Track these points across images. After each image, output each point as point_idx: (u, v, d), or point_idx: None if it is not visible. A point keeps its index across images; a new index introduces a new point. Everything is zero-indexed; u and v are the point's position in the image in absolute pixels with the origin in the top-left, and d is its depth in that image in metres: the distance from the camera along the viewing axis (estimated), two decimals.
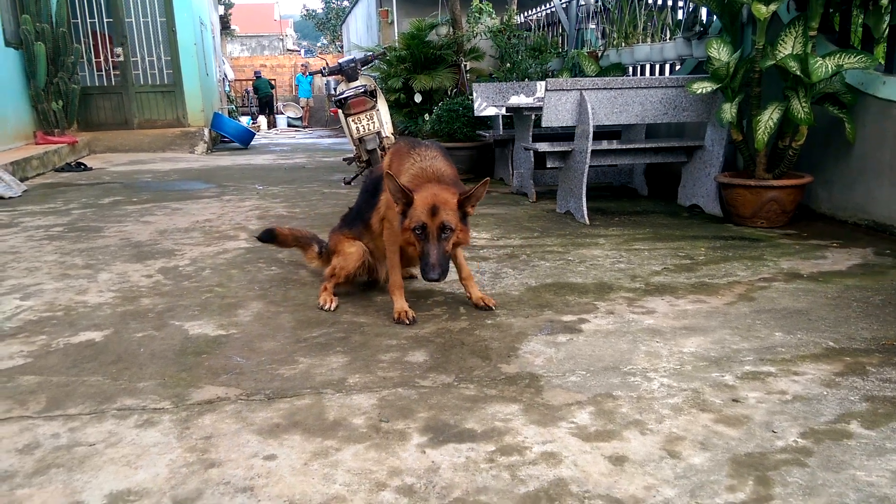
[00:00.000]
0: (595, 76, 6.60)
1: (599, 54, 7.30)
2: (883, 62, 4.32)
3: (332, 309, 2.95)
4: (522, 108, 5.74)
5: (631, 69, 7.06)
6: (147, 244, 4.28)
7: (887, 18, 4.29)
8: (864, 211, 4.35)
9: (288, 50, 36.26)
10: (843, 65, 4.06)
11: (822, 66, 4.03)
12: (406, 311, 2.81)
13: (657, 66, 6.79)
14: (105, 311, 2.99)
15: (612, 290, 3.18)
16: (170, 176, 7.98)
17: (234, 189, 6.75)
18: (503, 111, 6.76)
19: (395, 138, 2.93)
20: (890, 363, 2.32)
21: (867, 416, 1.96)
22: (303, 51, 38.71)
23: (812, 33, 4.24)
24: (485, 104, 6.91)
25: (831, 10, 4.69)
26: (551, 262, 3.67)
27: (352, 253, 3.06)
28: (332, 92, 9.33)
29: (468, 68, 9.74)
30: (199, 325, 2.79)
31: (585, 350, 2.49)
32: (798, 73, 4.07)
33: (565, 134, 5.93)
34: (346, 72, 6.91)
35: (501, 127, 6.93)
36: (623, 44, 7.00)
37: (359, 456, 1.79)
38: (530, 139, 5.69)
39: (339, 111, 6.44)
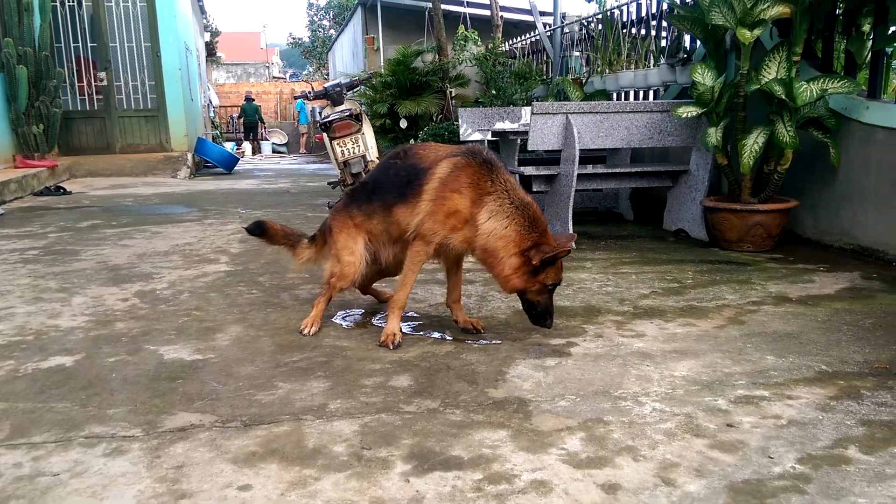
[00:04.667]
0: (581, 102, 6.62)
1: (584, 81, 7.35)
2: (866, 88, 4.36)
3: (311, 334, 2.85)
4: (508, 132, 5.73)
5: (615, 95, 7.11)
6: (124, 267, 4.17)
7: (869, 44, 4.35)
8: (849, 235, 4.35)
9: (274, 77, 36.41)
10: (827, 89, 4.09)
11: (807, 91, 4.05)
12: (395, 335, 2.69)
13: (641, 93, 6.84)
14: (77, 336, 2.88)
15: (601, 314, 3.12)
16: (151, 200, 7.87)
17: (215, 213, 6.66)
18: (489, 136, 6.76)
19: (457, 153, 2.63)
20: (884, 386, 2.27)
21: (865, 440, 1.90)
22: (287, 76, 38.88)
23: (796, 58, 4.27)
24: (470, 129, 6.91)
25: (814, 37, 4.75)
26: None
27: (350, 263, 2.84)
28: (318, 117, 9.32)
29: (454, 94, 9.80)
30: (174, 350, 2.69)
31: (575, 374, 2.42)
32: (783, 97, 4.09)
33: (550, 158, 5.93)
34: (332, 96, 6.88)
35: None
36: (607, 70, 7.05)
37: (339, 485, 1.69)
38: (516, 163, 5.67)
39: (324, 135, 6.41)
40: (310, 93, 7.22)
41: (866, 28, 4.41)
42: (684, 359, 2.55)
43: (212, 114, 19.07)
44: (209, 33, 25.25)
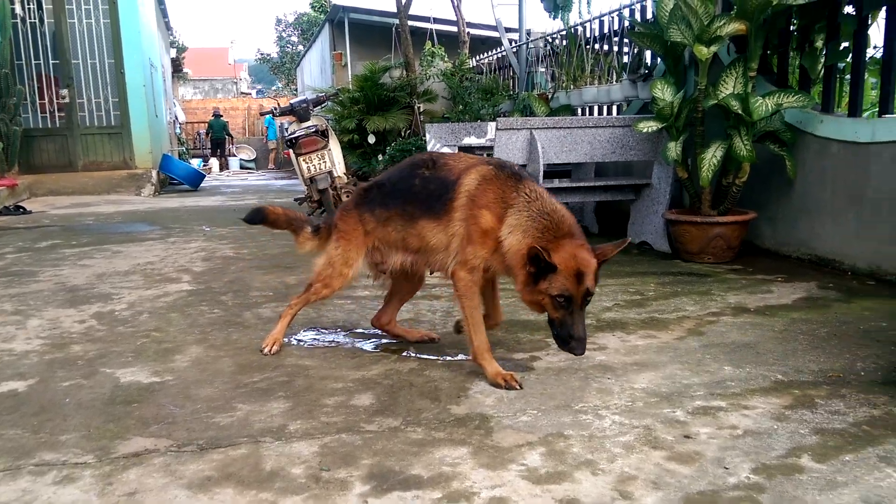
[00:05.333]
0: (545, 117, 6.70)
1: (549, 96, 7.44)
2: (820, 102, 4.49)
3: (271, 353, 2.80)
4: (474, 147, 5.77)
5: (580, 110, 7.21)
6: (83, 288, 4.08)
7: (822, 60, 4.49)
8: (806, 246, 4.46)
9: (241, 93, 36.19)
10: (782, 104, 4.20)
11: (763, 105, 4.16)
12: (502, 375, 2.43)
13: (605, 108, 6.95)
14: (31, 360, 2.80)
15: None
16: (113, 218, 7.74)
17: (179, 231, 6.57)
18: (456, 151, 6.79)
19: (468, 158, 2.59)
20: (837, 395, 2.32)
21: (818, 449, 1.94)
22: (254, 92, 38.65)
23: (752, 74, 4.38)
24: (438, 144, 6.94)
25: (770, 52, 4.88)
26: (503, 300, 3.60)
27: (344, 275, 2.74)
28: (285, 133, 9.28)
29: (422, 110, 9.84)
30: (131, 373, 2.63)
31: (537, 388, 2.42)
32: (739, 111, 4.19)
33: None
34: (298, 112, 6.87)
35: None
36: (572, 86, 7.15)
37: None
38: None
39: (291, 151, 6.38)
40: (276, 109, 7.20)
41: (819, 44, 4.55)
42: (645, 371, 2.58)
43: (178, 130, 18.86)
44: (175, 49, 25.02)
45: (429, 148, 7.16)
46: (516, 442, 2.01)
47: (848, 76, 4.42)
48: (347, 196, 6.39)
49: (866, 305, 3.41)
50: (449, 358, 2.76)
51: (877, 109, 4.14)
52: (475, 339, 2.49)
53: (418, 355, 2.80)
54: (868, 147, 3.97)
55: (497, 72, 10.05)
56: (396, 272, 2.77)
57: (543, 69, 8.44)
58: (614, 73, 6.64)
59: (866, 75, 4.38)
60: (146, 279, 4.32)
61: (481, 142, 6.68)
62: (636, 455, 1.93)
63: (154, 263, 4.86)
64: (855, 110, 4.22)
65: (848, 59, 4.35)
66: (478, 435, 2.06)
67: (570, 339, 2.27)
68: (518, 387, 2.38)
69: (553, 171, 5.94)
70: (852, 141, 4.07)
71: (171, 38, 24.44)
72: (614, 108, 6.83)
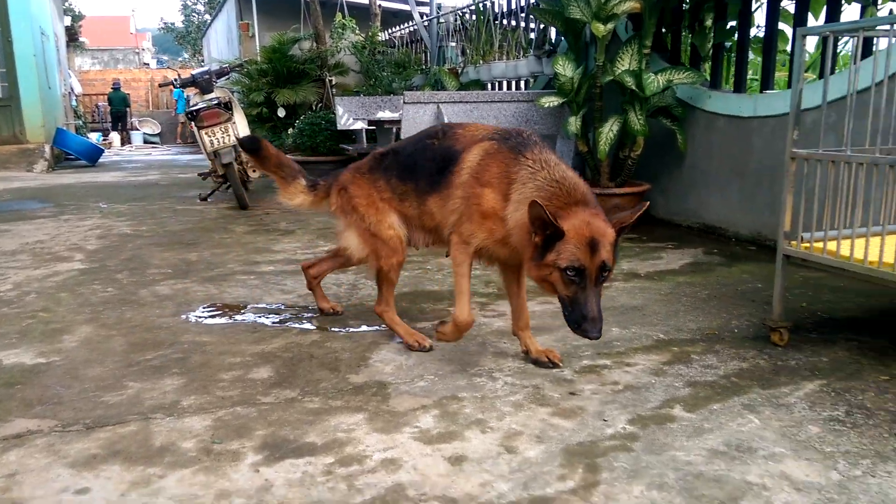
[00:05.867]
0: (452, 91, 6.74)
1: (460, 71, 7.48)
2: (709, 78, 4.74)
3: (428, 347, 2.54)
4: (384, 121, 5.75)
5: (490, 85, 7.30)
6: None
7: (711, 38, 4.72)
8: (696, 215, 4.73)
9: (144, 64, 34.31)
10: (672, 80, 4.41)
11: (654, 82, 4.35)
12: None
13: (513, 83, 7.06)
14: None
15: None
16: (1, 196, 7.24)
17: (73, 208, 6.22)
18: (366, 125, 6.75)
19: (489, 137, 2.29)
20: (712, 351, 2.50)
21: (689, 400, 2.09)
22: (154, 62, 36.68)
23: (646, 51, 4.57)
24: (348, 118, 6.87)
25: (664, 30, 5.09)
26: (409, 272, 3.67)
27: (393, 237, 2.51)
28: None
29: (333, 83, 9.67)
30: (15, 354, 2.51)
31: (436, 355, 2.49)
32: (633, 87, 4.37)
33: None
34: (200, 84, 6.59)
35: (365, 140, 6.90)
36: (481, 61, 7.22)
37: (184, 481, 1.66)
38: None
39: (193, 125, 6.14)
40: (176, 80, 6.89)
41: (709, 23, 4.79)
42: (539, 335, 2.68)
43: (74, 103, 17.71)
44: (70, 17, 23.38)
45: (341, 123, 7.09)
46: (411, 406, 2.07)
47: (734, 54, 4.68)
48: (254, 171, 6.23)
49: (746, 269, 3.66)
50: (352, 329, 2.79)
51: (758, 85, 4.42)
52: (459, 309, 2.35)
53: (320, 328, 2.80)
54: (750, 121, 4.23)
55: (409, 46, 9.99)
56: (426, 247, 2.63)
57: (454, 44, 8.47)
58: (521, 49, 6.75)
59: (750, 54, 4.65)
60: (35, 258, 4.09)
61: (395, 116, 6.66)
62: (524, 412, 2.02)
63: (44, 242, 4.60)
64: (740, 86, 4.49)
65: (734, 38, 4.60)
66: (375, 401, 2.11)
67: (582, 321, 1.97)
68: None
69: None
70: (737, 115, 4.33)
71: (66, 4, 22.80)
72: (522, 84, 6.95)
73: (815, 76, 4.57)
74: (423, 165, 2.43)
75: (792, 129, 2.43)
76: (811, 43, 5.15)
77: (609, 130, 4.46)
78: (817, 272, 2.55)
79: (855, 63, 2.46)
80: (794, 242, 2.45)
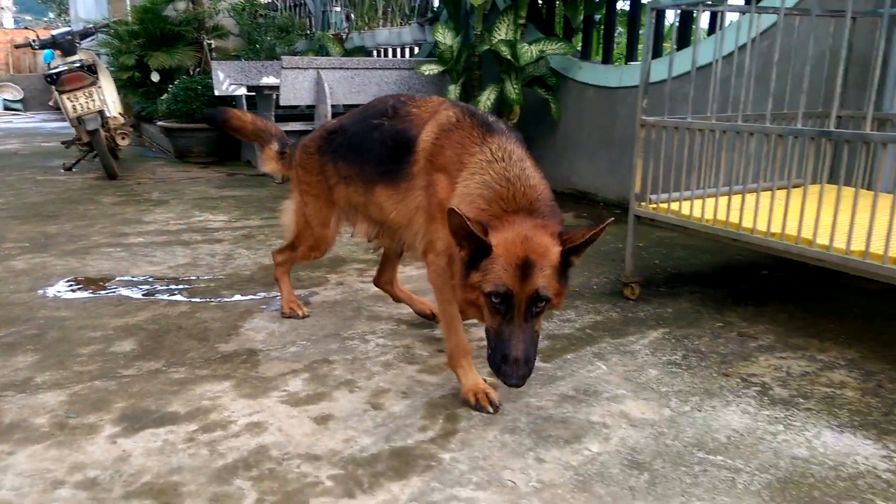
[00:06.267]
0: (332, 57, 6.64)
1: (344, 37, 7.35)
2: (580, 49, 4.93)
3: (303, 315, 2.52)
4: (263, 87, 5.59)
5: (374, 52, 7.23)
6: None
7: (582, 10, 4.91)
8: (568, 181, 4.96)
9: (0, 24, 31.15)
10: (545, 51, 4.55)
11: (529, 52, 4.48)
12: (481, 389, 1.88)
13: (398, 50, 7.03)
14: None
15: (346, 263, 3.25)
16: None
17: None
18: (245, 90, 6.52)
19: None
20: (571, 306, 2.67)
21: (546, 351, 2.24)
22: (10, 21, 33.44)
23: (521, 21, 4.68)
24: (227, 83, 6.60)
25: (539, 1, 5.23)
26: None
27: (324, 237, 2.38)
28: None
29: (213, 46, 9.21)
30: None
31: (310, 321, 2.51)
32: (509, 57, 4.48)
33: (314, 114, 5.90)
34: (62, 45, 6.11)
35: (246, 107, 6.67)
36: (365, 27, 7.12)
37: (35, 456, 1.61)
38: (272, 119, 5.56)
39: (53, 89, 5.70)
40: (35, 41, 6.35)
41: None
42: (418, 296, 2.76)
43: None
44: None
45: (221, 89, 6.77)
46: (281, 371, 2.09)
47: (604, 27, 4.90)
48: (124, 138, 5.89)
49: (610, 231, 3.88)
50: (225, 300, 2.74)
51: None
52: (448, 340, 1.96)
53: (190, 299, 2.74)
54: (616, 91, 4.46)
55: (292, 10, 9.67)
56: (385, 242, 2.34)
57: (339, 9, 8.29)
58: (406, 17, 6.72)
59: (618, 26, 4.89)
60: None
61: (277, 82, 6.47)
62: (393, 371, 2.09)
63: None
64: (608, 58, 4.71)
65: (603, 11, 4.81)
66: (243, 369, 2.11)
67: (501, 361, 1.59)
68: (491, 409, 1.84)
69: (290, 115, 5.87)
70: (605, 86, 4.55)
71: None
72: (407, 52, 6.93)
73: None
74: (369, 148, 2.11)
75: (641, 98, 2.61)
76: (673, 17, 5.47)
77: (487, 99, 4.57)
78: (671, 232, 2.76)
79: (715, 35, 2.66)
80: (643, 203, 2.65)
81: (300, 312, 2.54)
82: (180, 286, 2.89)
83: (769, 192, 2.39)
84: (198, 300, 2.72)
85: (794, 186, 2.60)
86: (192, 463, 1.60)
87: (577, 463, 1.61)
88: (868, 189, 2.61)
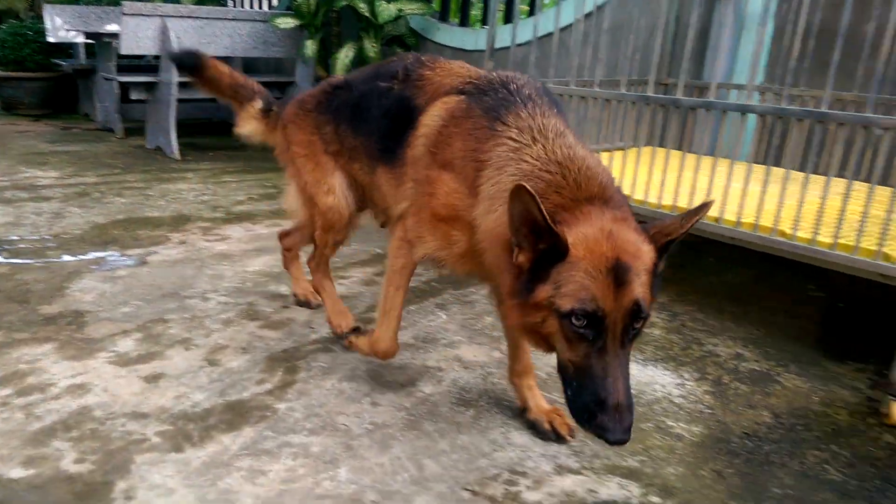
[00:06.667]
0: (180, 5, 6.23)
1: None
2: (439, 10, 4.95)
3: (343, 331, 1.98)
4: (103, 34, 5.14)
5: (232, 3, 6.84)
6: None
7: None
8: None
9: None
10: (403, 10, 4.53)
11: (387, 10, 4.44)
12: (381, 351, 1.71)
13: (256, 0, 6.71)
14: None
15: (190, 221, 3.11)
16: None
17: None
18: (83, 38, 5.97)
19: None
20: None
21: None
22: None
23: None
24: (62, 28, 6.00)
25: None
26: (128, 199, 3.42)
27: (331, 206, 1.89)
28: None
29: None
30: None
31: (146, 280, 2.39)
32: (367, 14, 4.43)
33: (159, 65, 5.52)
34: None
35: (84, 55, 6.13)
36: None
37: None
38: (113, 69, 5.14)
39: None
40: None
41: None
42: (262, 255, 2.71)
43: None
44: None
45: (56, 35, 6.14)
46: (110, 332, 1.99)
47: None
48: None
49: None
50: (51, 260, 2.55)
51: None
52: (380, 329, 1.71)
53: (10, 260, 2.52)
54: (472, 54, 4.54)
55: None
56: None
57: None
58: None
59: None
60: None
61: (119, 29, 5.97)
62: (233, 328, 2.06)
63: None
64: (465, 21, 4.78)
65: None
66: (68, 331, 1.99)
67: (598, 410, 1.16)
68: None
69: (134, 66, 5.51)
70: (461, 48, 4.62)
71: None
72: (265, 4, 6.63)
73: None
74: (374, 116, 1.73)
75: (487, 62, 2.69)
76: None
77: (345, 56, 4.49)
78: None
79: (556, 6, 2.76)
80: None
81: (351, 326, 1.99)
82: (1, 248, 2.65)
83: (605, 154, 2.57)
84: (18, 261, 2.51)
85: (618, 149, 2.81)
86: (5, 427, 1.50)
87: (410, 404, 1.69)
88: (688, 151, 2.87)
